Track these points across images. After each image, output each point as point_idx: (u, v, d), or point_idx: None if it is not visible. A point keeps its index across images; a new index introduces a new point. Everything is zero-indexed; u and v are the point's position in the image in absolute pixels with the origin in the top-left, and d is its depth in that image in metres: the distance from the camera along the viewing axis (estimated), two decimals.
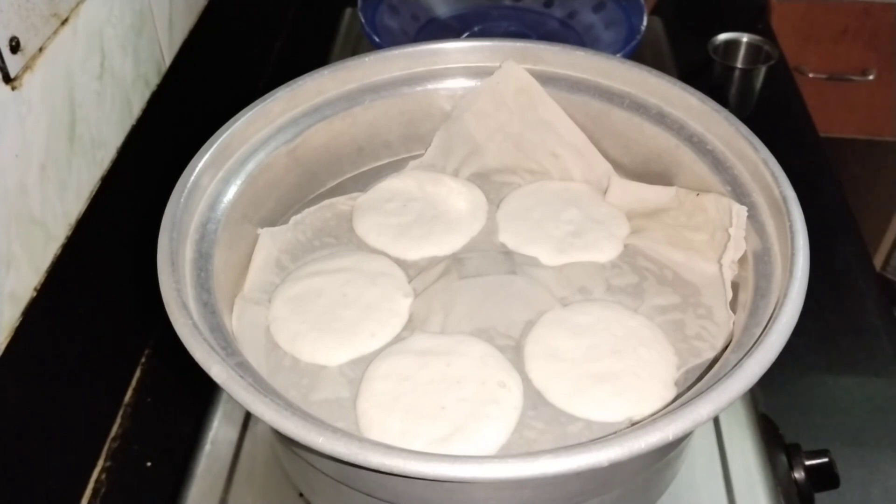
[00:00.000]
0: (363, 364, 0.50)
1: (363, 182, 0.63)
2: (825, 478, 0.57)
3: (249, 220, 0.56)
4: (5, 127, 0.51)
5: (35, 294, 0.55)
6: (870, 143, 1.42)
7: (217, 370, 0.40)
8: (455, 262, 0.56)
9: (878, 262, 1.42)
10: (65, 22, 0.57)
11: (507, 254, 0.57)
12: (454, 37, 0.79)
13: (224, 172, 0.54)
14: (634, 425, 0.40)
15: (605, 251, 0.57)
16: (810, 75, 1.29)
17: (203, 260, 0.49)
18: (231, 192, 0.54)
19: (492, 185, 0.63)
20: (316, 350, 0.51)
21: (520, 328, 0.52)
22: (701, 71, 0.96)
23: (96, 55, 0.62)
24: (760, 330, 0.43)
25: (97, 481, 0.61)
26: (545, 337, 0.51)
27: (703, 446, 0.55)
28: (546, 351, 0.50)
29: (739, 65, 0.97)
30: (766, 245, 0.48)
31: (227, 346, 0.43)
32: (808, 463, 0.57)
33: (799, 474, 0.57)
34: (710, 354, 0.50)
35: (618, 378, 0.48)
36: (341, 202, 0.62)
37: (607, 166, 0.62)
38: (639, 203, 0.59)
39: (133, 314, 0.68)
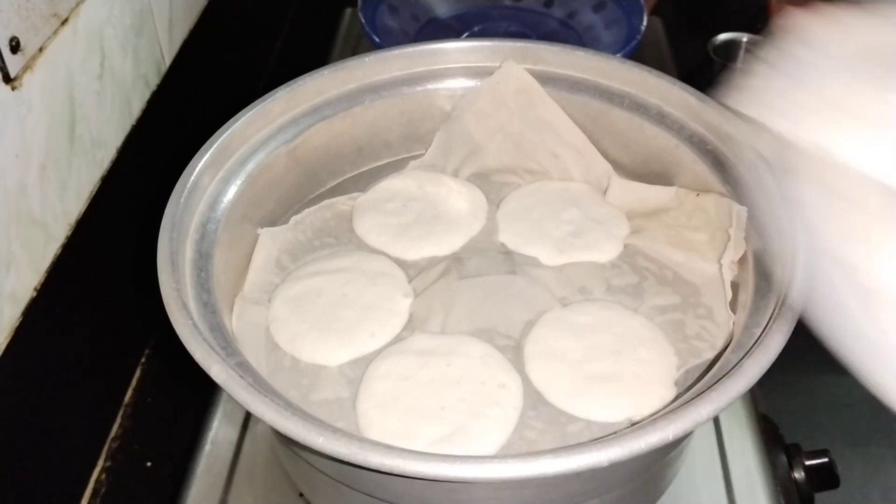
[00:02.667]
0: (363, 364, 0.50)
1: (363, 182, 0.63)
2: (825, 478, 0.57)
3: (249, 220, 0.56)
4: (5, 127, 0.51)
5: (35, 294, 0.55)
6: None
7: (217, 370, 0.40)
8: (455, 262, 0.56)
9: None
10: (65, 22, 0.57)
11: (507, 254, 0.57)
12: (454, 37, 0.79)
13: (224, 172, 0.54)
14: (634, 425, 0.40)
15: (605, 251, 0.57)
16: None
17: (203, 260, 0.49)
18: (231, 192, 0.54)
19: (492, 185, 0.63)
20: (316, 350, 0.51)
21: (520, 328, 0.52)
22: (701, 71, 0.96)
23: (96, 55, 0.62)
24: (760, 330, 0.43)
25: (97, 481, 0.61)
26: (545, 337, 0.51)
27: (703, 446, 0.55)
28: (546, 351, 0.50)
29: (739, 65, 0.97)
30: (766, 245, 0.48)
31: (227, 346, 0.43)
32: (808, 463, 0.57)
33: (799, 474, 0.57)
34: (710, 354, 0.50)
35: (618, 378, 0.48)
36: (341, 202, 0.62)
37: (607, 166, 0.62)
38: (639, 203, 0.59)
39: (133, 314, 0.68)
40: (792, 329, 0.41)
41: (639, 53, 0.83)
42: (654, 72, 0.59)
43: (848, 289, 0.34)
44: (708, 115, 0.55)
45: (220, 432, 0.57)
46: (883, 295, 0.33)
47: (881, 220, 0.34)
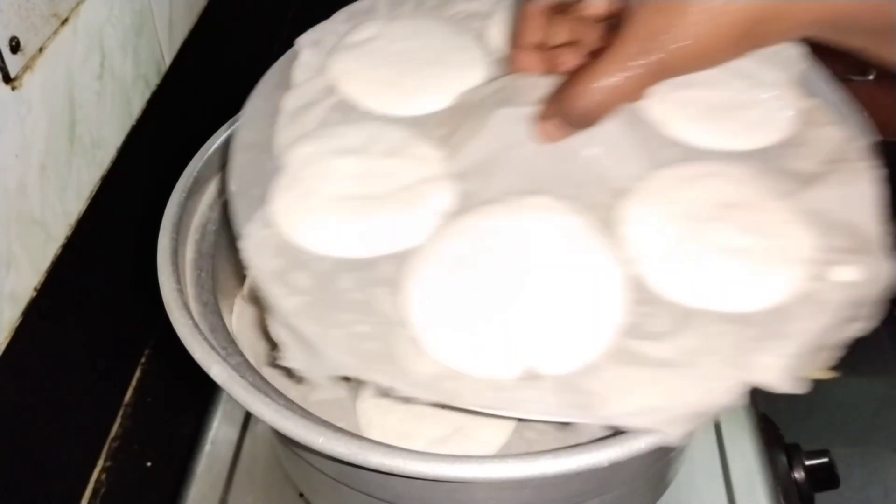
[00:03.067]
0: None
1: None
2: (825, 478, 0.57)
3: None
4: (5, 127, 0.51)
5: (35, 294, 0.55)
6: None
7: (217, 370, 0.40)
8: None
9: None
10: (65, 22, 0.57)
11: None
12: None
13: (224, 172, 0.54)
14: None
15: None
16: None
17: (203, 260, 0.49)
18: None
19: None
20: None
21: None
22: None
23: (96, 55, 0.62)
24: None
25: (97, 481, 0.61)
26: None
27: (703, 446, 0.55)
28: None
29: None
30: None
31: (227, 346, 0.43)
32: (808, 463, 0.57)
33: (799, 474, 0.57)
34: None
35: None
36: None
37: None
38: None
39: (133, 314, 0.68)
40: None
41: None
42: None
43: None
44: None
45: (220, 432, 0.57)
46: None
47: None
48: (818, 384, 0.68)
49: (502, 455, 0.41)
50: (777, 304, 0.38)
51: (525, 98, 0.43)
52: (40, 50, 0.54)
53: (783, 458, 0.57)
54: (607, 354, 0.36)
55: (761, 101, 0.46)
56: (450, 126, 0.46)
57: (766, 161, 0.44)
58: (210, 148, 0.53)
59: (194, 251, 0.49)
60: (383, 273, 0.40)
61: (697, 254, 0.40)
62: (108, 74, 0.64)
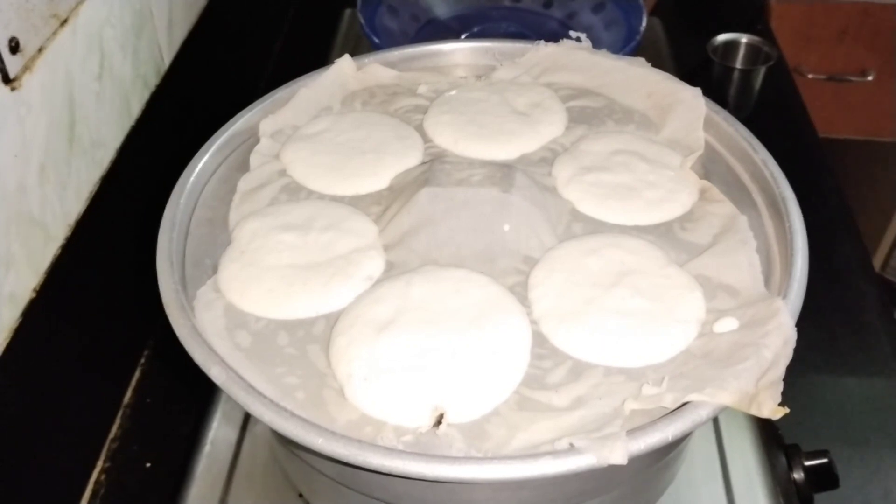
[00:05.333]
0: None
1: None
2: (825, 478, 0.57)
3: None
4: (5, 127, 0.51)
5: (34, 295, 0.55)
6: (869, 143, 1.42)
7: (217, 371, 0.40)
8: None
9: (877, 262, 1.42)
10: (64, 22, 0.57)
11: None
12: (454, 37, 0.79)
13: (224, 172, 0.54)
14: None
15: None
16: (809, 76, 1.29)
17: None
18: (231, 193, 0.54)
19: None
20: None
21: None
22: (700, 71, 0.96)
23: (96, 55, 0.62)
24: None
25: (97, 481, 0.61)
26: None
27: (703, 446, 0.55)
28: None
29: (739, 65, 0.97)
30: (765, 245, 0.48)
31: None
32: (807, 463, 0.57)
33: (798, 475, 0.57)
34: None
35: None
36: None
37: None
38: None
39: (133, 314, 0.68)
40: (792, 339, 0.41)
41: (638, 54, 0.83)
42: (656, 70, 0.59)
43: None
44: (707, 116, 0.55)
45: (219, 433, 0.57)
46: None
47: None
48: (818, 384, 0.68)
49: (502, 455, 0.41)
50: (658, 358, 0.42)
51: (446, 178, 0.49)
52: (40, 50, 0.54)
53: (783, 459, 0.57)
54: (509, 402, 0.40)
55: (662, 183, 0.52)
56: (384, 204, 0.52)
57: (663, 234, 0.50)
58: (211, 147, 0.53)
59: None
60: (315, 331, 0.44)
61: (593, 314, 0.44)
62: (108, 75, 0.64)
